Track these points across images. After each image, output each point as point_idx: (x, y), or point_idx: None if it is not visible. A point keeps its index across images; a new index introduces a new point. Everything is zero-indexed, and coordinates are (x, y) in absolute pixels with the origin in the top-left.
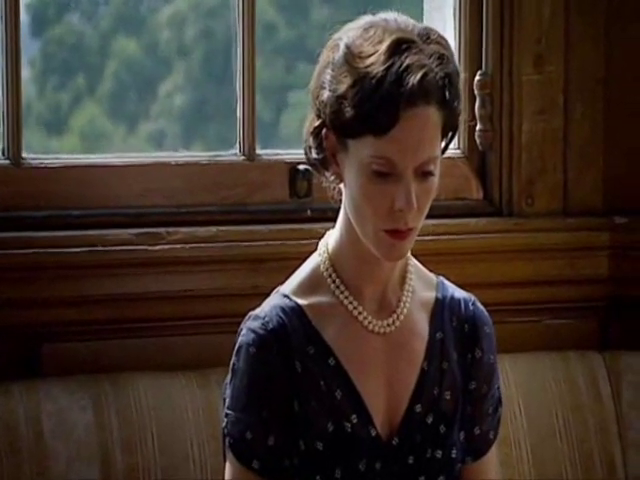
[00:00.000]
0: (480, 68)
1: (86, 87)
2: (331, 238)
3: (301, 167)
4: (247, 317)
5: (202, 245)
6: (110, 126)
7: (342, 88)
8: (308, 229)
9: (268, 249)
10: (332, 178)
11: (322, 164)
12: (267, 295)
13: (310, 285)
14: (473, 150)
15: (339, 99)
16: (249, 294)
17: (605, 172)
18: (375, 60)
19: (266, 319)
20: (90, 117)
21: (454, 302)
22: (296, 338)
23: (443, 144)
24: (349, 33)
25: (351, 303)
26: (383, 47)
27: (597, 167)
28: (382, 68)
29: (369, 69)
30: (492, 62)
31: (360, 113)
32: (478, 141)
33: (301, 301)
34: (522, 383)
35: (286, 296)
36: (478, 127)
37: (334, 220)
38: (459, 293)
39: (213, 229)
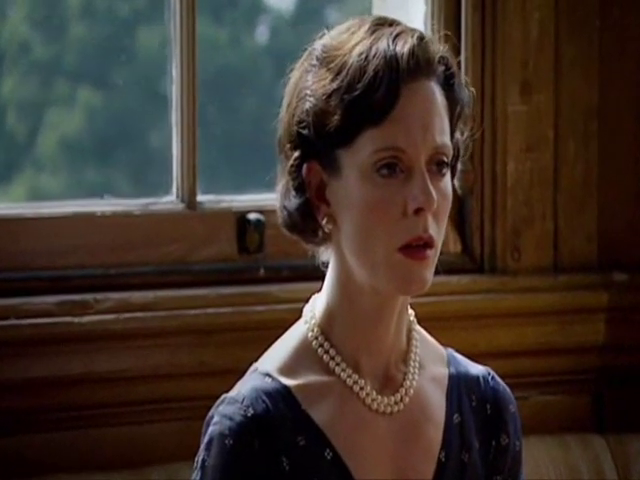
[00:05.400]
0: None
1: None
2: (318, 302)
3: (251, 216)
4: (219, 400)
5: (137, 314)
6: None
7: (326, 84)
8: (263, 292)
9: (216, 318)
10: (324, 222)
11: (307, 212)
12: (216, 374)
13: (297, 360)
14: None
15: (324, 98)
16: (195, 373)
17: (601, 220)
18: (358, 40)
19: (245, 403)
20: None
21: (471, 379)
22: (283, 428)
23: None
24: (322, 40)
25: (350, 377)
26: (363, 29)
27: (592, 214)
28: (368, 42)
29: (353, 52)
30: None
31: (353, 98)
32: (456, 184)
33: (287, 381)
34: None
35: (268, 375)
36: None
37: (291, 280)
38: (474, 368)
39: (150, 294)
